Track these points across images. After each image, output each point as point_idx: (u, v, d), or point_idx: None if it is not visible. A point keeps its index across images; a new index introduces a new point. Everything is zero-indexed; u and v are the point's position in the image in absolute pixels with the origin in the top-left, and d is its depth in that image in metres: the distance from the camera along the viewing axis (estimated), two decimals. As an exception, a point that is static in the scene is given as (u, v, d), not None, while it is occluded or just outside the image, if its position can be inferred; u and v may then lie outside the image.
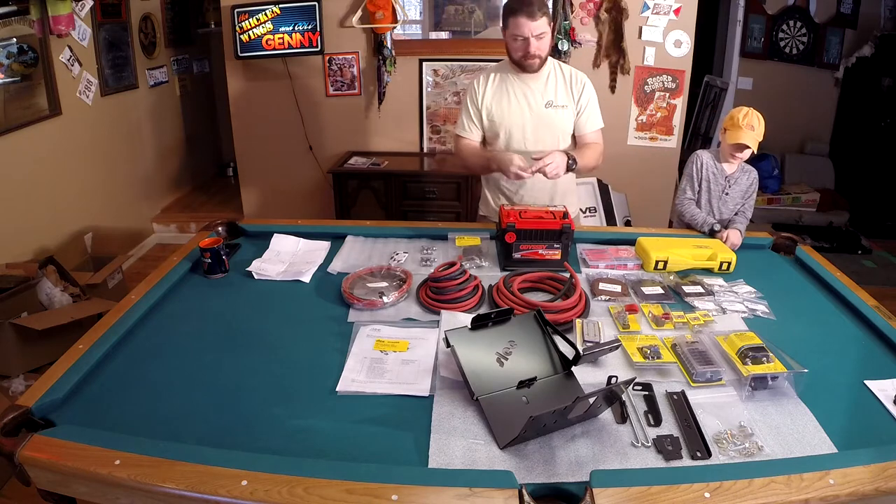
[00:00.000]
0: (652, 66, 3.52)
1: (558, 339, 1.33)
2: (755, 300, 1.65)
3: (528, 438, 1.11)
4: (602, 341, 1.40)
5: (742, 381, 1.27)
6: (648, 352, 1.37)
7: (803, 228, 4.53)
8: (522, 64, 1.99)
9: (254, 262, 1.82)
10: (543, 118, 2.06)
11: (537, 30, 1.89)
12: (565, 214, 1.81)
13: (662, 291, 1.70)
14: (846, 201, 4.73)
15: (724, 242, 1.97)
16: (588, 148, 2.08)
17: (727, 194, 2.19)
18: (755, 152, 2.11)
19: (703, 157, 2.19)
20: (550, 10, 3.44)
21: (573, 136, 2.13)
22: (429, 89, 3.74)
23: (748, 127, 2.05)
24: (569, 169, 1.93)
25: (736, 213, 2.25)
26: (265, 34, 3.52)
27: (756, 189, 2.22)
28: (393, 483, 0.98)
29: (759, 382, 1.25)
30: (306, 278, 1.76)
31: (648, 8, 3.43)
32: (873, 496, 1.00)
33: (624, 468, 1.06)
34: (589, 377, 1.30)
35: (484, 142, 2.19)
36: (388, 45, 3.53)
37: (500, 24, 2.01)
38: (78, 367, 1.29)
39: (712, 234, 2.05)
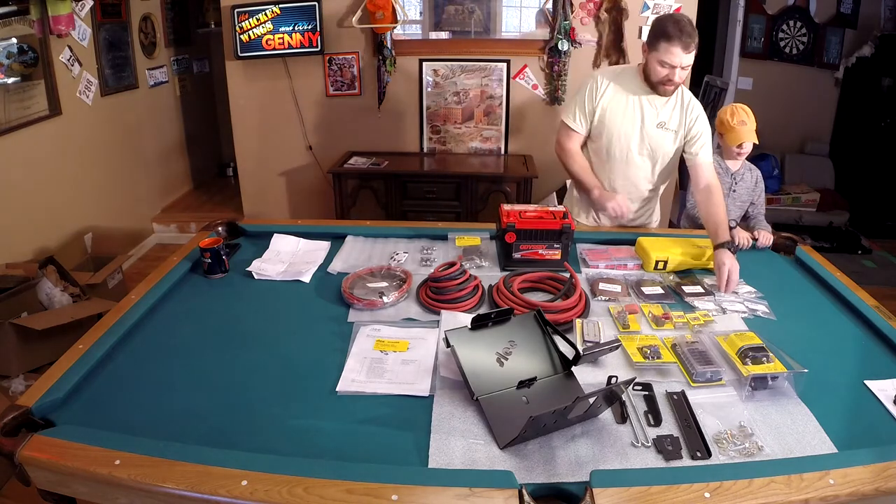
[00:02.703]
0: (652, 66, 3.52)
1: (558, 339, 1.33)
2: (755, 300, 1.65)
3: (528, 438, 1.11)
4: (602, 341, 1.40)
5: (742, 381, 1.27)
6: (648, 352, 1.37)
7: (803, 228, 4.53)
8: (658, 88, 1.95)
9: (254, 262, 1.82)
10: (652, 137, 2.03)
11: (687, 62, 1.86)
12: (565, 214, 1.81)
13: (662, 291, 1.70)
14: (846, 201, 4.73)
15: (757, 243, 2.01)
16: (720, 206, 1.94)
17: (734, 191, 2.24)
18: (758, 142, 2.19)
19: None
20: (553, 15, 3.47)
21: (683, 164, 2.09)
22: (429, 89, 3.73)
23: (741, 124, 2.16)
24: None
25: (755, 217, 2.28)
26: (265, 34, 3.52)
27: (763, 186, 2.28)
28: (393, 483, 0.98)
29: (759, 382, 1.25)
30: (306, 278, 1.76)
31: (648, 8, 3.43)
32: (873, 496, 1.00)
33: (624, 468, 1.06)
34: (589, 377, 1.30)
35: (587, 137, 2.15)
36: (388, 45, 3.53)
37: (644, 40, 1.95)
38: (78, 367, 1.29)
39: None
